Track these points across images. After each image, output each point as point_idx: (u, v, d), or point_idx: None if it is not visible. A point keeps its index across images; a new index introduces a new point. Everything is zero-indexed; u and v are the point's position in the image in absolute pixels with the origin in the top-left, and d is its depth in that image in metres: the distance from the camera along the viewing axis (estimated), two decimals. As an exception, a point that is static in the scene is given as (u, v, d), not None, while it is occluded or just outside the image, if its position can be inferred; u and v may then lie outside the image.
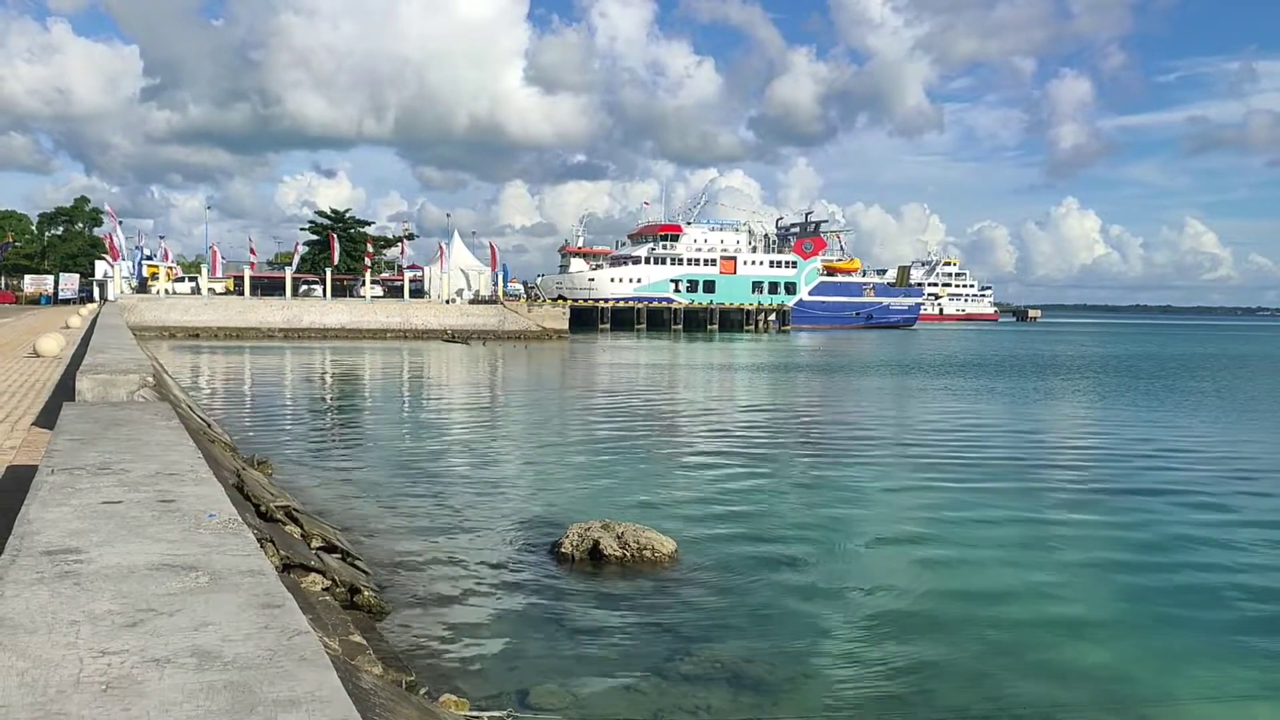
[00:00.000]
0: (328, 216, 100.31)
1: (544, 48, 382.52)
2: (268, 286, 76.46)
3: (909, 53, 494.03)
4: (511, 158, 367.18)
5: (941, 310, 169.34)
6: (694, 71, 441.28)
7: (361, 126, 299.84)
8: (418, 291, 78.79)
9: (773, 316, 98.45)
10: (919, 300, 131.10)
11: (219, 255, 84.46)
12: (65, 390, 11.34)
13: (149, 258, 78.96)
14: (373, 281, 79.26)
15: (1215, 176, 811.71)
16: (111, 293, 67.59)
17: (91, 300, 67.13)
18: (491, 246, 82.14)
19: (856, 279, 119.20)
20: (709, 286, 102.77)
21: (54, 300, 73.32)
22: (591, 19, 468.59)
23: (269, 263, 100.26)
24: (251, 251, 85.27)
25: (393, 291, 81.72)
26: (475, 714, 6.35)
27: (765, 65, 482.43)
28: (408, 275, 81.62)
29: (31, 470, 5.59)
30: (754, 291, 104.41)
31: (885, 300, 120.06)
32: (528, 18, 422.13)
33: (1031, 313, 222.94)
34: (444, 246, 79.81)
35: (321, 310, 67.20)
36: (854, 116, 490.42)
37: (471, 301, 75.13)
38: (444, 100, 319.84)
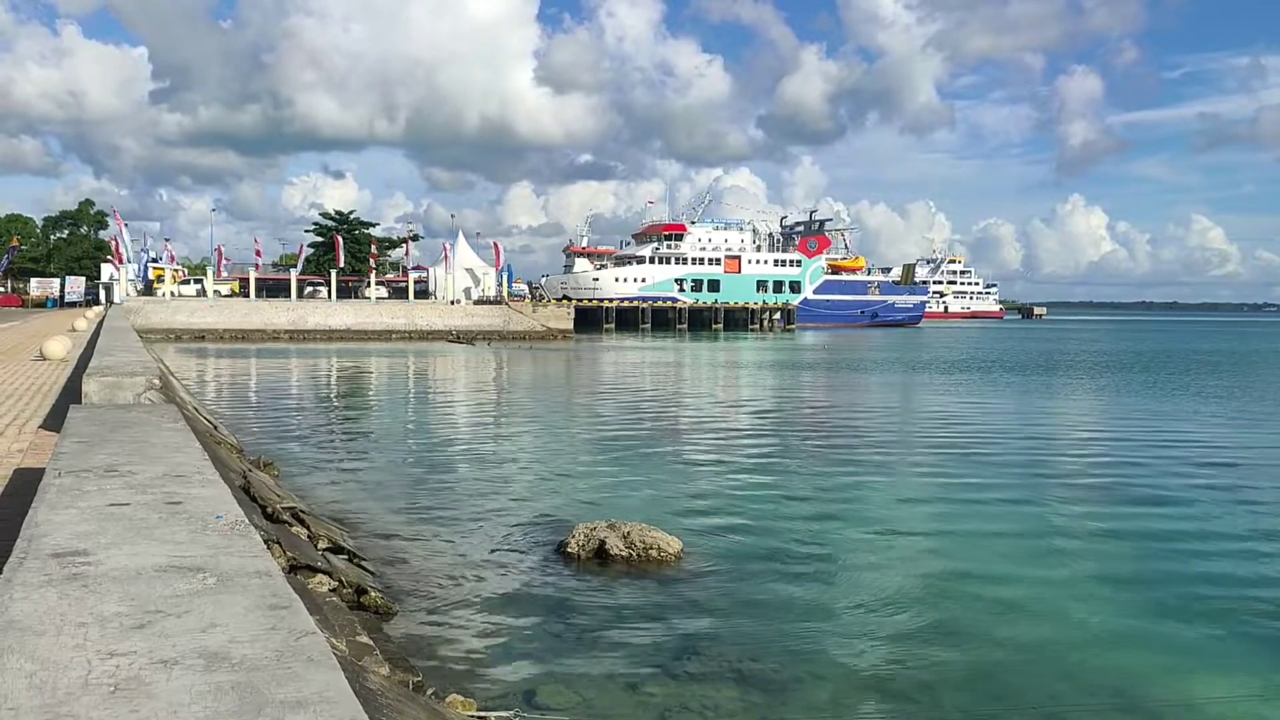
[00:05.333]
0: (332, 218, 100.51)
1: (554, 47, 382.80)
2: (273, 288, 76.62)
3: (920, 50, 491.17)
4: (519, 158, 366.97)
5: (946, 308, 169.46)
6: (704, 70, 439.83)
7: (372, 128, 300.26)
8: (422, 292, 78.84)
9: (777, 315, 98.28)
10: (924, 298, 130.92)
11: (224, 257, 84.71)
12: (72, 393, 11.37)
13: (155, 260, 79.23)
14: (377, 283, 79.35)
15: (1223, 172, 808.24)
16: (117, 295, 67.79)
17: (97, 303, 67.43)
18: (496, 246, 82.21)
19: (861, 277, 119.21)
20: (713, 286, 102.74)
21: (60, 303, 73.62)
22: (600, 18, 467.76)
23: (274, 265, 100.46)
24: (257, 254, 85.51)
25: (397, 293, 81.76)
26: (482, 714, 6.36)
27: (775, 64, 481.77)
28: (412, 276, 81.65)
29: (39, 473, 5.60)
30: (759, 290, 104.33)
31: (890, 298, 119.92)
32: (538, 17, 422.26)
33: (1036, 310, 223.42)
34: (448, 247, 79.84)
35: (327, 312, 67.30)
36: (863, 115, 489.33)
37: (476, 302, 75.19)
38: (454, 101, 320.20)
